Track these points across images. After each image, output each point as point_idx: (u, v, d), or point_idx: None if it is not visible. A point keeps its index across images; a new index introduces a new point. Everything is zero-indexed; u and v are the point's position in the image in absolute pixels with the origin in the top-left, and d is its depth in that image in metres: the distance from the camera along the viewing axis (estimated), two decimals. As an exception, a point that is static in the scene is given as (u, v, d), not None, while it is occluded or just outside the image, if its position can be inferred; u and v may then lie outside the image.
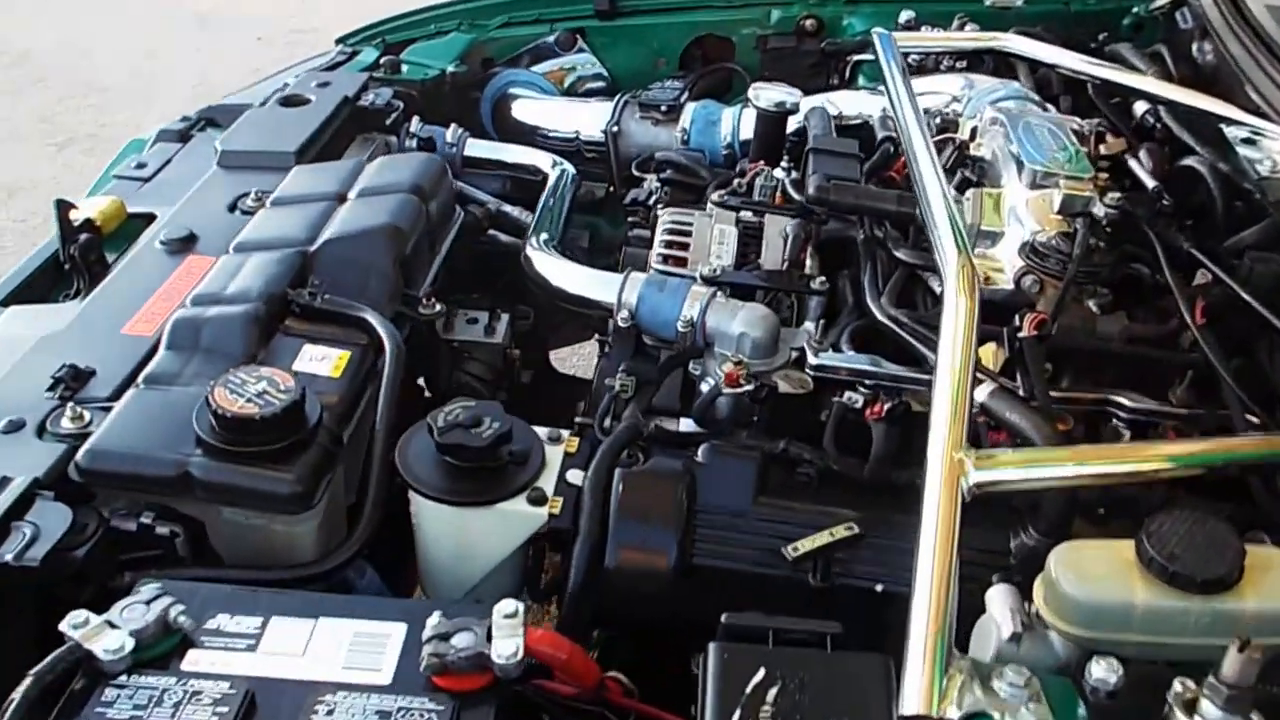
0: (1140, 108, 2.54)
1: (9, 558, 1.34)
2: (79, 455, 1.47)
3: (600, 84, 2.96)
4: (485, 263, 2.43)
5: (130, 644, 1.26)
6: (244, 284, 1.74)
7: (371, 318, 1.73)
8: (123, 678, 1.25)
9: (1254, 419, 1.74)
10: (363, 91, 2.47)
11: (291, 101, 2.37)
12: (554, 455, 1.66)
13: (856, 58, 2.84)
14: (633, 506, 1.61)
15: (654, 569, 1.59)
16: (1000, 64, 2.70)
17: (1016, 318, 1.74)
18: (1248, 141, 2.27)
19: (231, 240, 1.88)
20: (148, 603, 1.31)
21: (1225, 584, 1.31)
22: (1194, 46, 2.71)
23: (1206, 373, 1.83)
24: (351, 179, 2.02)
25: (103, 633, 1.26)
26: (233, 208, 2.04)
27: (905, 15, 2.82)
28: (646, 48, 2.95)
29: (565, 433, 1.70)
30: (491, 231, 2.46)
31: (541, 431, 1.69)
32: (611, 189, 2.81)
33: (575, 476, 1.63)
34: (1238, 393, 1.75)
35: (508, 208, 2.50)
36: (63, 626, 1.26)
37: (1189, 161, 2.29)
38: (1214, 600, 1.31)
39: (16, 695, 1.18)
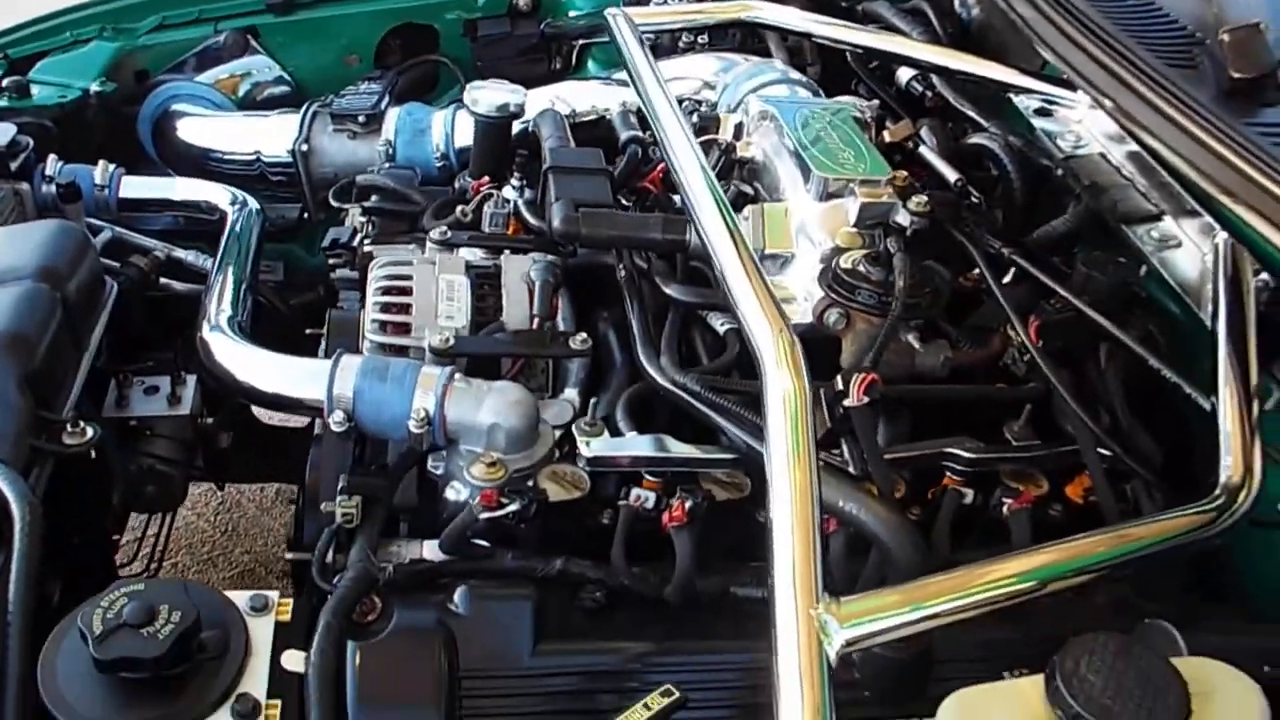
0: (905, 74, 2.32)
1: None
2: None
3: (282, 89, 2.56)
4: (160, 317, 2.05)
5: None
6: None
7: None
8: None
9: (1104, 451, 1.55)
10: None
11: None
12: (262, 632, 1.27)
13: (583, 41, 2.51)
14: (378, 690, 1.27)
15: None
16: (748, 34, 2.43)
17: (839, 380, 1.44)
18: (1041, 112, 2.08)
19: None
20: None
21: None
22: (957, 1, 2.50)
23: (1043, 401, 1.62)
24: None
25: None
26: None
27: (657, -10, 2.52)
28: (334, 44, 2.56)
29: (272, 595, 1.31)
30: (165, 280, 2.06)
31: (240, 598, 1.29)
32: (306, 214, 2.41)
33: (294, 660, 1.25)
34: (1090, 426, 1.54)
35: (180, 253, 2.13)
36: None
37: (978, 139, 2.07)
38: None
39: None
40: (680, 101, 2.09)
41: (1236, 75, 1.69)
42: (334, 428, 1.49)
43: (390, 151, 2.27)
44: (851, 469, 1.41)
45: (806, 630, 1.07)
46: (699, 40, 2.43)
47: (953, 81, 2.21)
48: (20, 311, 1.48)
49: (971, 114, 2.13)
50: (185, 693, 1.19)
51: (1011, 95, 2.12)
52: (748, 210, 1.76)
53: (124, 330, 1.93)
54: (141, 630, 1.16)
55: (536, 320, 1.68)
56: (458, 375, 1.52)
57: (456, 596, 1.37)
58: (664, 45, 2.44)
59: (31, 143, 2.07)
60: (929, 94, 2.26)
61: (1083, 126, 2.01)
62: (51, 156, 2.08)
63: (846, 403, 1.41)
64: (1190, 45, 1.85)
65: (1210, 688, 1.10)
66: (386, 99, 2.36)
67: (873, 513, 1.33)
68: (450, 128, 2.27)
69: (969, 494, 1.55)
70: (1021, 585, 1.19)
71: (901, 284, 1.53)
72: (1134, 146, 1.87)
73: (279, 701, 1.21)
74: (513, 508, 1.40)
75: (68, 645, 1.20)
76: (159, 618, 1.17)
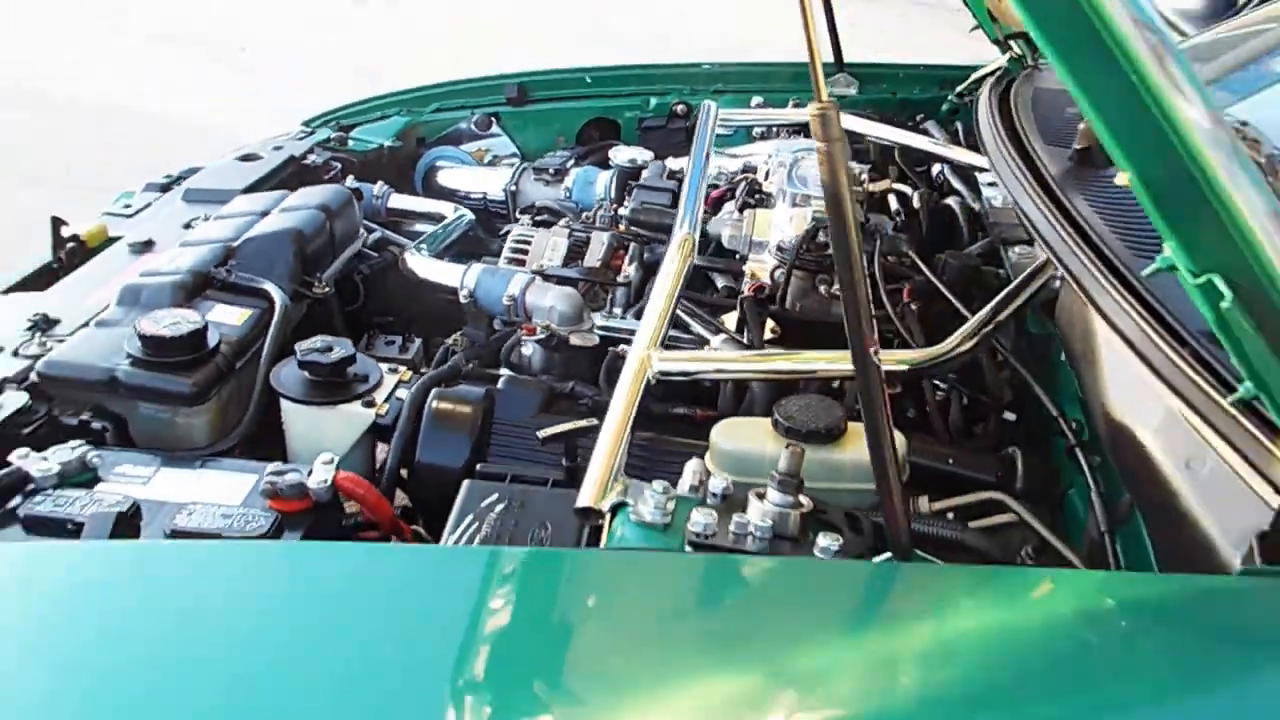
0: (936, 168, 3.09)
1: (-22, 419, 1.88)
2: (39, 364, 2.00)
3: (513, 160, 3.53)
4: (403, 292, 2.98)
5: (56, 469, 1.77)
6: (179, 264, 2.28)
7: (269, 287, 2.26)
8: (49, 490, 1.76)
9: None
10: (308, 154, 3.05)
11: (248, 158, 2.96)
12: (390, 380, 2.17)
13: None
14: (440, 415, 2.09)
15: (452, 466, 2.04)
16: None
17: (744, 286, 2.25)
18: (992, 184, 2.80)
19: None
20: (73, 449, 1.82)
21: (824, 437, 1.78)
22: (982, 122, 3.25)
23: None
24: (276, 202, 2.57)
25: (38, 462, 1.78)
26: (187, 226, 2.59)
27: (755, 100, 3.41)
28: (550, 128, 3.54)
29: (403, 367, 2.22)
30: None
31: (385, 365, 2.20)
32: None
33: (403, 393, 2.14)
34: (903, 333, 2.25)
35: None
36: (10, 457, 1.78)
37: (947, 200, 2.82)
38: (821, 450, 1.78)
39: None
40: (748, 167, 2.96)
41: (1077, 147, 2.41)
42: (462, 300, 2.40)
43: (568, 194, 3.20)
44: (745, 340, 2.20)
45: (640, 362, 1.88)
46: (791, 134, 3.27)
47: (958, 171, 2.97)
48: (304, 221, 2.46)
49: (956, 186, 2.89)
50: (341, 390, 2.10)
51: (977, 173, 2.86)
52: (746, 212, 2.58)
53: (379, 298, 2.86)
54: (322, 352, 2.07)
55: (600, 264, 2.55)
56: (538, 279, 2.40)
57: (500, 382, 2.21)
58: (769, 136, 3.30)
59: (340, 167, 3.11)
60: (946, 180, 3.02)
61: (1011, 192, 2.72)
62: (350, 176, 3.10)
63: (742, 295, 2.21)
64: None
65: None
66: (573, 161, 3.30)
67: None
68: (610, 182, 3.18)
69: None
70: (780, 367, 1.96)
71: (793, 242, 2.31)
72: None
73: (388, 406, 2.10)
74: (541, 336, 2.25)
75: (289, 365, 2.13)
76: (333, 350, 2.08)
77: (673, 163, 3.07)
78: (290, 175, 2.96)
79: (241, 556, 1.45)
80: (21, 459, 1.78)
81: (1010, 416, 2.19)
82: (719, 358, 2.02)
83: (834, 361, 1.98)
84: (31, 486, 1.76)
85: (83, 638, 1.24)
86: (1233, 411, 1.42)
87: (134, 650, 1.22)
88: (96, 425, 2.02)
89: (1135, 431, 1.83)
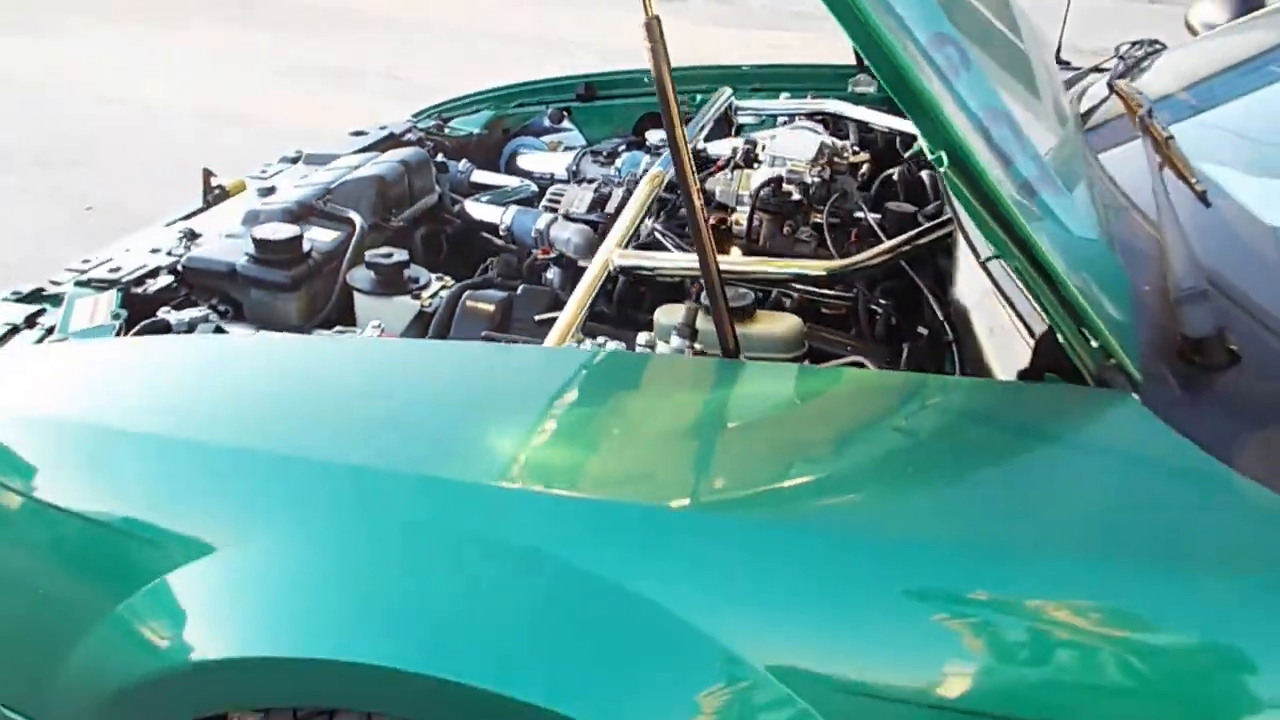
0: (930, 152, 3.70)
1: (143, 289, 2.67)
2: (183, 259, 2.81)
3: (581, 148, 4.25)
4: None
5: (187, 319, 2.55)
6: (289, 197, 3.07)
7: (353, 215, 3.02)
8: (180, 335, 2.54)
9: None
10: (406, 133, 3.84)
11: (357, 133, 3.76)
12: (437, 284, 2.89)
13: (739, 120, 4.06)
14: (469, 310, 2.78)
15: (478, 348, 2.76)
16: (838, 123, 3.89)
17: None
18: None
19: (294, 190, 3.24)
20: (200, 311, 2.60)
21: (737, 314, 2.42)
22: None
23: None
24: (369, 160, 3.35)
25: (175, 315, 2.56)
26: (302, 178, 3.38)
27: (783, 96, 4.06)
28: (612, 121, 4.23)
29: (449, 277, 2.94)
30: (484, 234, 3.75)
31: (435, 275, 2.93)
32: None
33: (445, 293, 2.86)
34: (840, 261, 2.88)
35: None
36: (159, 312, 2.56)
37: (921, 174, 3.43)
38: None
39: (135, 328, 2.49)
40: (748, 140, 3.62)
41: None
42: (501, 235, 3.13)
43: (619, 173, 3.89)
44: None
45: (605, 259, 2.56)
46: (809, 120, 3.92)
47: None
48: (386, 170, 3.23)
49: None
50: (397, 286, 2.83)
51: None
52: (735, 173, 3.25)
53: (460, 255, 3.60)
54: (385, 257, 2.81)
55: (616, 210, 3.24)
56: (561, 218, 3.11)
57: (519, 288, 2.90)
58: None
59: (432, 144, 3.88)
60: (933, 161, 3.63)
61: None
62: (440, 154, 3.86)
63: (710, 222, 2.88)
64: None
65: (778, 318, 2.47)
66: (624, 146, 4.00)
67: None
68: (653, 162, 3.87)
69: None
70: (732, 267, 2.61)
71: (756, 190, 2.96)
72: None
73: (431, 300, 2.82)
74: (554, 255, 2.96)
75: (361, 268, 2.87)
76: (393, 256, 2.82)
77: (706, 144, 3.74)
78: (390, 148, 3.73)
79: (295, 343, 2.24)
80: (165, 313, 2.57)
81: (923, 331, 2.79)
82: (666, 256, 2.69)
83: (766, 266, 2.64)
84: (169, 334, 2.53)
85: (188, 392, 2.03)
86: (1007, 271, 2.00)
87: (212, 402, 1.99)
88: (221, 308, 2.80)
89: (968, 313, 2.43)
